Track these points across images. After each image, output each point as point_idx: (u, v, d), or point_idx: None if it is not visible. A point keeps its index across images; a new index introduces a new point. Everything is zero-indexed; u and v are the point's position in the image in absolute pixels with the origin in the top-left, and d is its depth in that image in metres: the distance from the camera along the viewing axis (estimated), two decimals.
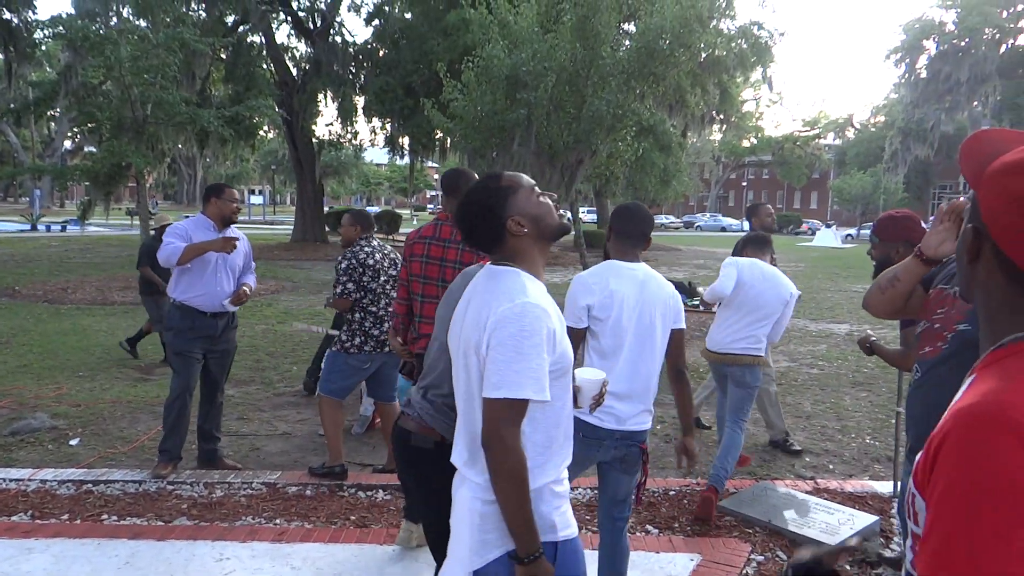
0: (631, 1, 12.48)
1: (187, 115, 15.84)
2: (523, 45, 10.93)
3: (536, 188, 2.08)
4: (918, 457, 1.05)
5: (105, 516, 4.31)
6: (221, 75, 24.56)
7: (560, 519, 1.94)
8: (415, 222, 55.12)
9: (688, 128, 30.71)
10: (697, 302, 7.95)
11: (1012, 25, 37.25)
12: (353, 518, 4.37)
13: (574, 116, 11.23)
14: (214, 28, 21.40)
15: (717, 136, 51.59)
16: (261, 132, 25.95)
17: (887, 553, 4.04)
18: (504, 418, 1.80)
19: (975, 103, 40.15)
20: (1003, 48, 37.34)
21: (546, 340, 1.84)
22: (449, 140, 20.38)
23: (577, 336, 3.04)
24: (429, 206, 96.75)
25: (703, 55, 19.99)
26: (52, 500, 4.52)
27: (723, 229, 59.30)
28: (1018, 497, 0.87)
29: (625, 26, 16.36)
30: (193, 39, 16.01)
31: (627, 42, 12.31)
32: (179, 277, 4.91)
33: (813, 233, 51.55)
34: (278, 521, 4.29)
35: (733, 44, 24.85)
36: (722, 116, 33.89)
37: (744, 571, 3.87)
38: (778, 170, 66.13)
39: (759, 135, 63.09)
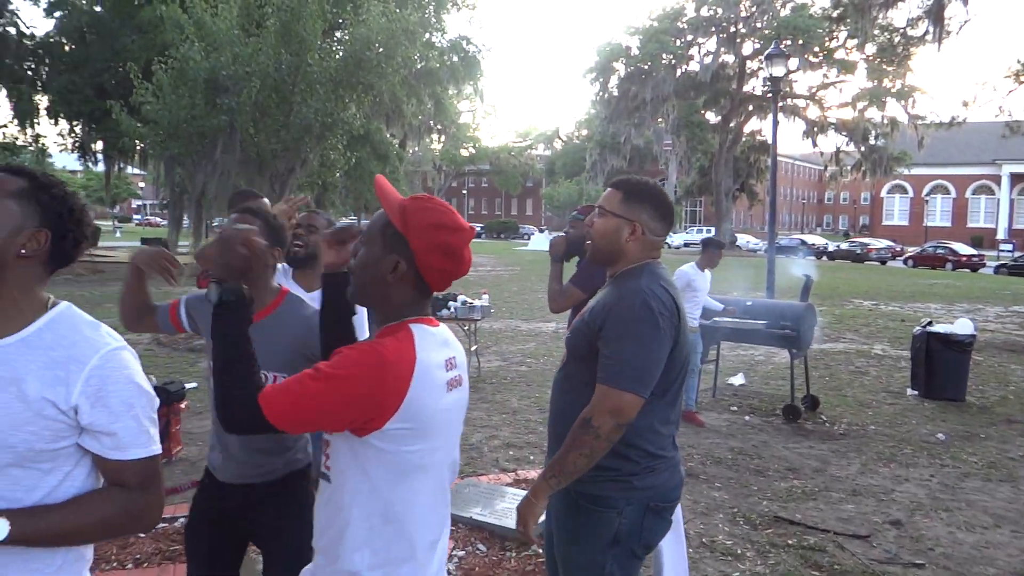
0: (336, 9, 12.41)
1: None
2: (223, 48, 10.41)
3: (6, 187, 1.41)
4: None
5: None
6: None
7: None
8: (118, 235, 50.25)
9: (407, 138, 31.30)
10: None
11: (683, 52, 42.53)
12: None
13: (282, 123, 10.90)
14: None
15: (437, 146, 53.03)
16: None
17: None
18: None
19: (659, 119, 45.30)
20: (678, 72, 42.51)
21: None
22: (148, 145, 18.87)
23: None
24: (136, 216, 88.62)
25: (418, 65, 20.40)
26: None
27: None
28: (350, 384, 1.43)
29: (338, 34, 16.23)
30: None
31: (341, 51, 12.21)
32: None
33: (528, 238, 54.94)
34: None
35: (445, 57, 25.74)
36: (440, 126, 35.01)
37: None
38: (495, 179, 69.74)
39: (476, 145, 65.90)
